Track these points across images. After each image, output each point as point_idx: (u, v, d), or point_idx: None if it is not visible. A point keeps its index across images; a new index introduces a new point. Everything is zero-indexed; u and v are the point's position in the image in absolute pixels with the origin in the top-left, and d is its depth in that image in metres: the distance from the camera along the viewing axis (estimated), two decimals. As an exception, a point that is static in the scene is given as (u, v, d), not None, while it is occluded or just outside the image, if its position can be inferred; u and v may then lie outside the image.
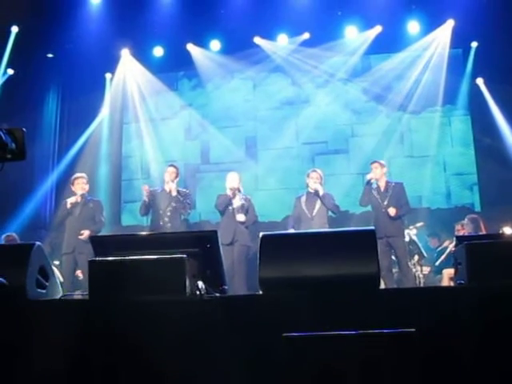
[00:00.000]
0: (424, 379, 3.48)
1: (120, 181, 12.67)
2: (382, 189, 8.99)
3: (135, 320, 3.93)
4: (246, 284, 8.73)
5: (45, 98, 12.43)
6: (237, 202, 9.08)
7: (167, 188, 9.21)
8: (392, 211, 8.76)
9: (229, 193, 9.07)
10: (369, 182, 9.04)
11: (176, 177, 9.34)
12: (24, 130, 3.18)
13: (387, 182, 9.06)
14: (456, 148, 11.84)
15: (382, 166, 9.10)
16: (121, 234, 7.32)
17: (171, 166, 9.53)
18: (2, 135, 3.04)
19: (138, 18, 11.21)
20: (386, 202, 8.87)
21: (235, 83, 12.75)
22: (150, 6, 11.26)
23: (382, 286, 8.92)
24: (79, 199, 8.93)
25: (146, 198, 9.15)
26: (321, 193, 9.04)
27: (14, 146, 3.12)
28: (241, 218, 8.98)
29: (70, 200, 8.97)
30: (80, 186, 9.02)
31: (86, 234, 8.62)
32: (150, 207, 9.19)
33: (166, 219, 9.04)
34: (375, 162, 9.21)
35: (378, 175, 9.04)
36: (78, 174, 9.36)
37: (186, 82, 12.98)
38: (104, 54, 11.84)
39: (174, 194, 9.15)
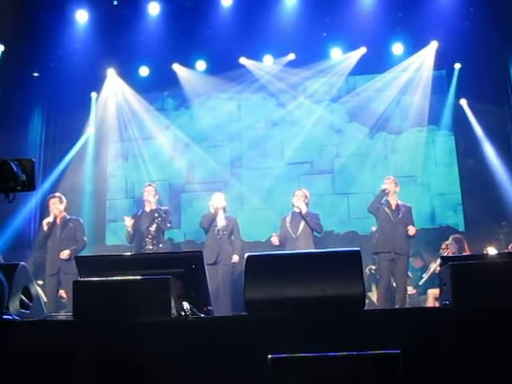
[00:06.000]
0: (409, 401, 3.48)
1: (105, 200, 12.62)
2: (393, 206, 8.97)
3: (120, 341, 3.91)
4: (230, 304, 8.72)
5: (30, 117, 12.37)
6: (221, 222, 9.11)
7: (148, 208, 9.18)
8: (412, 230, 8.80)
9: (212, 211, 9.11)
10: (384, 191, 9.03)
11: (155, 195, 9.34)
12: (34, 160, 3.17)
13: (397, 202, 9.06)
14: (440, 168, 11.90)
15: (396, 183, 9.14)
16: (105, 254, 7.28)
17: (150, 185, 9.51)
18: (14, 167, 3.04)
19: (124, 37, 11.26)
20: (395, 221, 8.90)
21: (220, 103, 12.76)
22: (136, 25, 11.30)
23: (375, 302, 8.99)
24: (53, 219, 8.88)
25: (130, 230, 9.09)
26: (303, 211, 9.06)
27: (24, 177, 3.11)
28: (235, 259, 9.00)
29: (46, 220, 8.95)
30: (54, 205, 8.98)
31: (66, 253, 8.59)
32: (135, 235, 9.15)
33: (149, 239, 8.99)
34: (390, 177, 9.25)
35: (392, 190, 9.06)
36: (51, 194, 9.37)
37: (171, 101, 12.99)
38: (90, 73, 11.84)
39: (154, 207, 9.14)
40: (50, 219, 8.90)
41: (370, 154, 12.04)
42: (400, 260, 8.83)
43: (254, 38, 11.47)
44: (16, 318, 3.41)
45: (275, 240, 9.03)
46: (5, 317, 3.17)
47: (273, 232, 9.33)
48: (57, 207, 8.97)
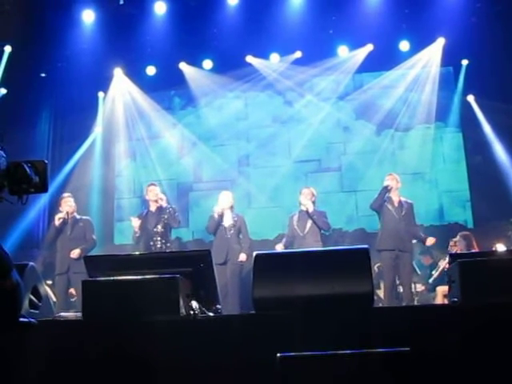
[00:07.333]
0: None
1: (113, 199, 12.65)
2: (396, 203, 8.92)
3: (129, 340, 3.91)
4: (239, 302, 8.71)
5: (38, 117, 12.40)
6: (228, 221, 9.07)
7: (153, 207, 9.18)
8: (431, 241, 8.89)
9: (215, 216, 9.05)
10: (386, 188, 8.97)
11: (162, 194, 9.37)
12: (46, 161, 3.17)
13: (400, 198, 9.02)
14: (448, 165, 11.86)
15: (397, 180, 9.08)
16: (114, 253, 7.30)
17: (152, 184, 9.52)
18: (28, 169, 3.04)
19: (131, 37, 11.26)
20: (399, 217, 8.84)
21: (227, 102, 12.75)
22: (142, 25, 11.30)
23: (383, 298, 8.96)
24: (67, 216, 8.92)
25: (137, 230, 9.08)
26: (310, 210, 9.04)
27: (37, 179, 3.11)
28: (242, 257, 8.96)
29: (58, 216, 8.96)
30: (66, 203, 9.03)
31: (76, 252, 8.64)
32: (141, 235, 9.14)
33: (157, 238, 8.99)
34: (391, 174, 9.21)
35: (394, 186, 9.03)
36: (64, 194, 9.38)
37: (178, 100, 13.01)
38: (97, 72, 11.87)
39: (165, 205, 9.15)
40: (62, 215, 8.93)
41: (378, 151, 12.00)
42: (404, 257, 8.77)
43: (261, 36, 11.45)
44: (32, 320, 3.43)
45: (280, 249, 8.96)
46: (21, 319, 3.17)
47: (280, 230, 9.30)
48: (69, 205, 9.02)
